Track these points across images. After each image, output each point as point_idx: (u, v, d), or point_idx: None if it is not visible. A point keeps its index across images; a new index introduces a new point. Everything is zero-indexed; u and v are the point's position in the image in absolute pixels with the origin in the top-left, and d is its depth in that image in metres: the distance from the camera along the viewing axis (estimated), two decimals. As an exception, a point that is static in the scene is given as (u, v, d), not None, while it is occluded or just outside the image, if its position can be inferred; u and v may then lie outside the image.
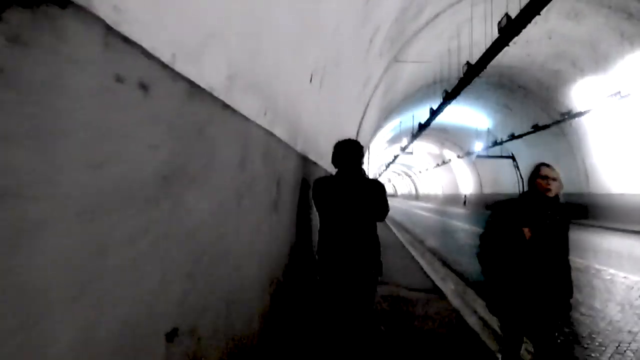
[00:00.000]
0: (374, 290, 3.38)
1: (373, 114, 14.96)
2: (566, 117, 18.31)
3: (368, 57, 8.26)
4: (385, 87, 14.34)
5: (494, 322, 4.88)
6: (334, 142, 3.47)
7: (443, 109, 16.34)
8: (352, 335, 3.33)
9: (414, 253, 10.11)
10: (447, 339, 4.28)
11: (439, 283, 6.85)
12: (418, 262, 8.79)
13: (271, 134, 2.48)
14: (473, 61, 11.76)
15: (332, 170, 4.92)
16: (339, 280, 3.28)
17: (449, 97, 14.77)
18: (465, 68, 12.23)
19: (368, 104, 11.73)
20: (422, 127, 20.31)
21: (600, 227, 18.95)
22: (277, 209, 2.77)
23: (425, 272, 7.75)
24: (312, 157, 3.88)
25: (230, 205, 1.88)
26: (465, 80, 12.59)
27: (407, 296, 6.02)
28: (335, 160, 3.44)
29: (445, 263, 9.37)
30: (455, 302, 5.66)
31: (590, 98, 17.99)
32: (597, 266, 8.93)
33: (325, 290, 3.42)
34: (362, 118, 11.70)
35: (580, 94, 19.05)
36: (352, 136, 10.92)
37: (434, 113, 17.39)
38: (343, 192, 3.27)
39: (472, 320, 4.81)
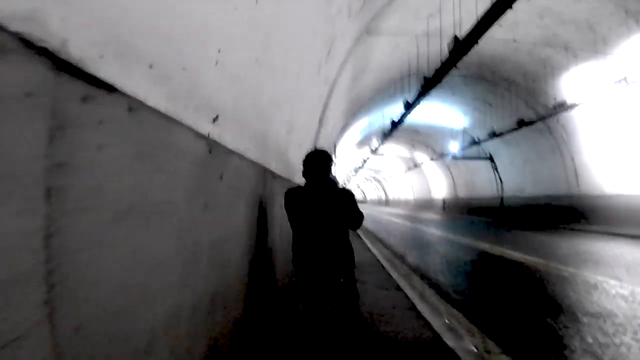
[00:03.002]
0: (355, 295, 3.44)
1: (340, 103, 12.55)
2: (557, 109, 16.21)
3: (331, 8, 5.88)
4: (354, 71, 11.96)
5: None
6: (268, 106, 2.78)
7: (420, 100, 14.03)
8: (337, 345, 3.33)
9: (397, 278, 7.62)
10: None
11: (450, 341, 4.35)
12: (407, 296, 6.30)
13: None
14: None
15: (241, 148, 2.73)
16: (316, 289, 3.31)
17: (428, 85, 12.42)
18: (452, 45, 9.88)
19: (334, 86, 9.30)
20: (396, 123, 18.02)
21: (597, 232, 16.95)
22: None
23: (421, 316, 5.24)
24: (187, 119, 1.81)
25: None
26: (451, 60, 10.25)
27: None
28: (305, 172, 3.43)
29: (442, 294, 6.88)
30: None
31: (585, 88, 15.86)
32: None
33: (303, 300, 3.41)
34: (327, 101, 9.24)
35: (573, 84, 16.92)
36: (314, 121, 8.57)
37: (409, 106, 15.08)
38: (314, 203, 3.30)
39: None
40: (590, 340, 4.61)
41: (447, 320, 5.07)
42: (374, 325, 4.86)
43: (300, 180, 5.19)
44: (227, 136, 2.53)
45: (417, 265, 9.67)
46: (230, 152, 2.63)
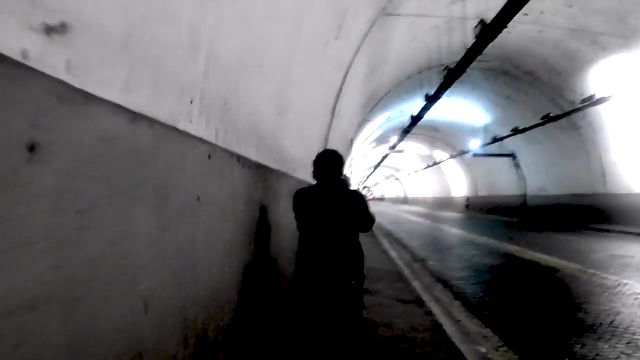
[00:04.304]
0: (360, 303, 3.25)
1: (356, 96, 11.66)
2: (586, 102, 15.08)
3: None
4: (372, 61, 11.05)
5: None
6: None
7: (442, 94, 13.01)
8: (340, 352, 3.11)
9: (418, 288, 6.72)
10: None
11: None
12: (430, 312, 5.38)
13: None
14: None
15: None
16: (320, 296, 3.13)
17: (451, 77, 11.44)
18: (479, 30, 8.97)
19: (348, 73, 8.42)
20: (416, 118, 16.99)
21: (628, 233, 15.87)
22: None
23: (450, 342, 4.29)
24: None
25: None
26: (477, 47, 9.29)
27: None
28: (315, 173, 3.23)
29: (471, 308, 5.95)
30: None
31: (614, 82, 14.64)
32: None
33: (304, 306, 3.30)
34: (341, 89, 8.37)
35: (601, 78, 15.66)
36: (325, 110, 7.74)
37: (430, 99, 14.06)
38: (323, 204, 3.15)
39: None
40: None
41: (483, 350, 4.16)
42: (390, 357, 3.97)
43: (301, 176, 4.29)
44: (114, 82, 1.37)
45: (440, 272, 8.72)
46: (95, 99, 1.27)
